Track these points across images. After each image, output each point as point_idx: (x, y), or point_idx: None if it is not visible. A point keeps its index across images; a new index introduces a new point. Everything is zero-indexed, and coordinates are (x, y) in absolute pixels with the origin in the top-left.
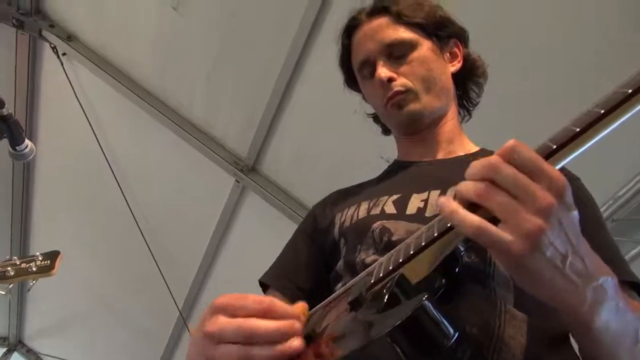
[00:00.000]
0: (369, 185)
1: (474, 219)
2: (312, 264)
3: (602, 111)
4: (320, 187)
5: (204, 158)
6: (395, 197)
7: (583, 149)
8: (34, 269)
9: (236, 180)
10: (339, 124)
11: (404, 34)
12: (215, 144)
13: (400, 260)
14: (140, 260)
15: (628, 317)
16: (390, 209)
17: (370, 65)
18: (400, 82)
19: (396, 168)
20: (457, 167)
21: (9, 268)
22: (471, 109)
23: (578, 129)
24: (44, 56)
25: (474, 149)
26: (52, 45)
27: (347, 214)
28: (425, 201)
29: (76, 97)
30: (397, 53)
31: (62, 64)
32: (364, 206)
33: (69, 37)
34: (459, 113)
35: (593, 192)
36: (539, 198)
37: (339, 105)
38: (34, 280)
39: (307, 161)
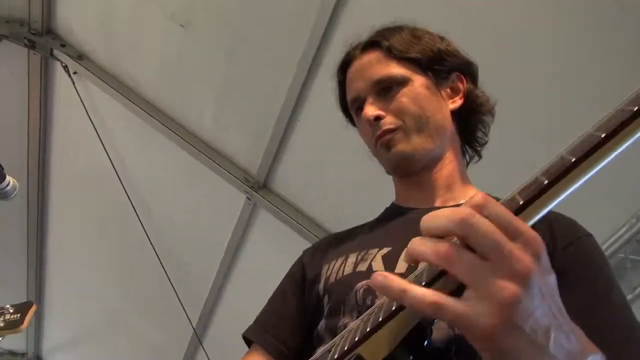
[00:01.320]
0: (362, 232)
1: (426, 294)
2: (300, 318)
3: (574, 159)
4: (330, 204)
5: (214, 175)
6: (385, 250)
7: (557, 202)
8: (1, 324)
9: (247, 198)
10: (349, 142)
11: (394, 69)
12: (225, 160)
13: (356, 339)
14: (154, 278)
15: None
16: (377, 265)
17: (360, 103)
18: (389, 120)
19: (392, 213)
20: None
21: None
22: (479, 149)
23: (547, 181)
24: (55, 75)
25: (466, 194)
26: (64, 65)
27: (333, 267)
28: None
29: (88, 115)
30: (387, 90)
31: (73, 83)
32: (351, 259)
33: (80, 56)
34: (464, 155)
35: None
36: (516, 260)
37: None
38: (1, 337)
39: (318, 178)
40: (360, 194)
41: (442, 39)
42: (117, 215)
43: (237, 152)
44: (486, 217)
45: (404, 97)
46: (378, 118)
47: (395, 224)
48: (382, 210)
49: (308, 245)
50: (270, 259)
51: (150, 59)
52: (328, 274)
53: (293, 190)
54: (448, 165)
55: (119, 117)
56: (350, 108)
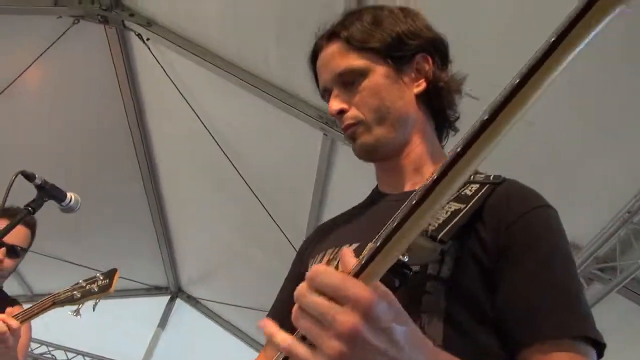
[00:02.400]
0: (345, 221)
1: (284, 338)
2: None
3: (395, 224)
4: None
5: (289, 117)
6: (355, 246)
7: (391, 261)
8: (96, 289)
9: (324, 134)
10: None
11: (354, 61)
12: (299, 101)
13: None
14: (261, 217)
15: None
16: None
17: (328, 94)
18: (351, 114)
19: (372, 199)
20: (451, 202)
21: (75, 292)
22: (451, 128)
23: (378, 244)
24: (132, 44)
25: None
26: (137, 33)
27: (314, 263)
28: None
29: (169, 77)
30: (350, 81)
31: (149, 49)
32: (327, 257)
33: (149, 23)
34: (443, 132)
35: None
36: (339, 323)
37: None
38: (97, 299)
39: None
40: None
41: (407, 16)
42: (216, 166)
43: (307, 90)
44: (317, 287)
45: (364, 90)
46: (341, 111)
47: (369, 214)
48: None
49: None
50: (357, 186)
51: (209, 14)
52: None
53: None
54: (415, 149)
55: (195, 75)
56: (323, 97)
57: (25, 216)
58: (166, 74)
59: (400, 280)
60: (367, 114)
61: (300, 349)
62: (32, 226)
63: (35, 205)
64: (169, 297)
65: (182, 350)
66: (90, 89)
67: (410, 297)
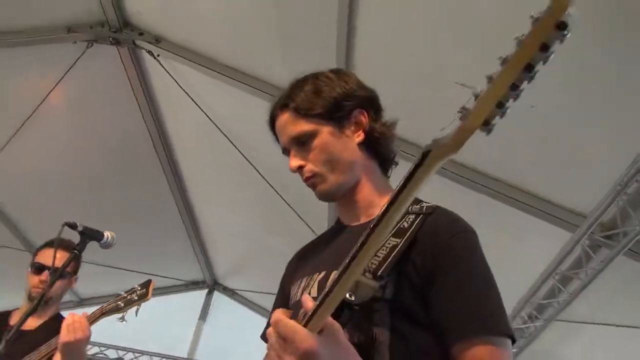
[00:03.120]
0: (313, 250)
1: None
2: None
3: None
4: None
5: None
6: (322, 275)
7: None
8: (136, 298)
9: None
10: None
11: (303, 126)
12: None
13: None
14: (280, 206)
15: None
16: (314, 291)
17: (287, 153)
18: (308, 169)
19: (335, 230)
20: (391, 238)
21: (119, 302)
22: (392, 163)
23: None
24: (145, 61)
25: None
26: (148, 50)
27: (295, 290)
28: None
29: (180, 86)
30: (303, 141)
31: (160, 64)
32: (303, 284)
33: (157, 40)
34: (387, 168)
35: None
36: (274, 347)
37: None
38: (138, 306)
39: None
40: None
41: (340, 79)
42: (235, 165)
43: None
44: (276, 331)
45: (315, 148)
46: (300, 167)
47: (332, 244)
48: None
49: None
50: None
51: (209, 24)
52: (292, 295)
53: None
54: (364, 187)
55: (205, 83)
56: (284, 153)
57: (73, 254)
58: (178, 84)
59: (350, 314)
60: (320, 167)
61: None
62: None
63: (79, 248)
64: (206, 290)
65: (224, 339)
66: (109, 106)
67: (364, 315)
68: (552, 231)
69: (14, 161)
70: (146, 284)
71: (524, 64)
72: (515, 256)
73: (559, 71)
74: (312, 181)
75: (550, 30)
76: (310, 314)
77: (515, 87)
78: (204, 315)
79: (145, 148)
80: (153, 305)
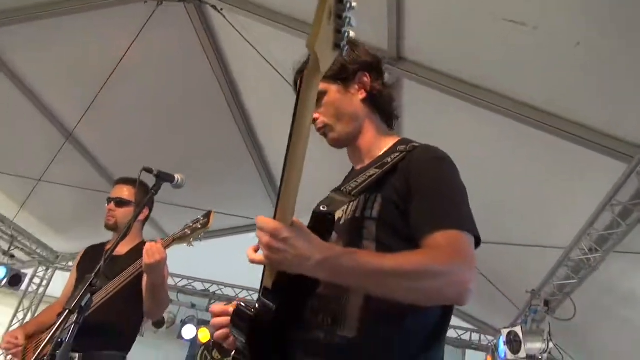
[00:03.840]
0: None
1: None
2: None
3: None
4: (469, 58)
5: None
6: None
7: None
8: (199, 226)
9: (389, 73)
10: None
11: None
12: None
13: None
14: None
15: (354, 266)
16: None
17: None
18: (320, 121)
19: (348, 173)
20: (372, 168)
21: (186, 230)
22: (394, 119)
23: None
24: (211, 17)
25: (390, 144)
26: (212, 5)
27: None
28: (344, 211)
29: (244, 38)
30: (318, 99)
31: (224, 17)
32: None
33: None
34: (389, 121)
35: None
36: (261, 241)
37: None
38: (201, 234)
39: (453, 35)
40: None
41: (350, 48)
42: None
43: (365, 34)
44: (259, 230)
45: (326, 104)
46: (314, 120)
47: (342, 185)
48: None
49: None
50: (431, 126)
51: None
52: None
53: (426, 54)
54: (366, 135)
55: (267, 33)
56: None
57: (150, 192)
58: (242, 36)
59: (330, 220)
60: (330, 119)
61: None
62: (135, 185)
63: (156, 189)
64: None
65: None
66: (181, 59)
67: (356, 232)
68: (610, 165)
69: (103, 115)
70: (207, 215)
71: None
72: (575, 191)
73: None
74: (323, 131)
75: None
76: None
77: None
78: None
79: (216, 98)
80: (231, 243)
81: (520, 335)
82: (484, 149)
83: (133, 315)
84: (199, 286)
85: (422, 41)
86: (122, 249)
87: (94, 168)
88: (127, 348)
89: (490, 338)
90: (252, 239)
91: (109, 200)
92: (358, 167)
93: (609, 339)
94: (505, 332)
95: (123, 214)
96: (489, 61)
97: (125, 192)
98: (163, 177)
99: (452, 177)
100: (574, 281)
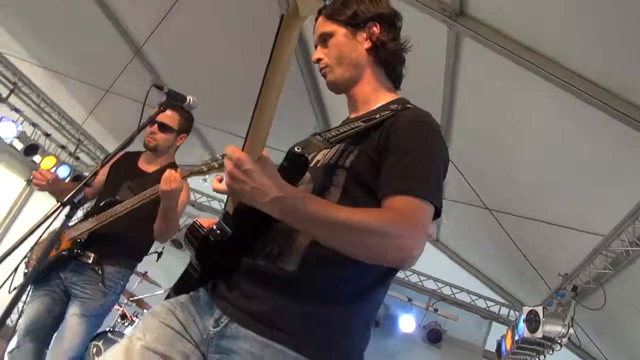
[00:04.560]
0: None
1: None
2: None
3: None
4: (529, 17)
5: (413, 9)
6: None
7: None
8: (216, 165)
9: (448, 27)
10: None
11: (327, 27)
12: None
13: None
14: None
15: (310, 210)
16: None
17: (315, 46)
18: (323, 61)
19: (343, 121)
20: (359, 121)
21: (203, 167)
22: (399, 78)
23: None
24: None
25: (386, 100)
26: None
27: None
28: (324, 155)
29: None
30: (324, 39)
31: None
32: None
33: None
34: (390, 77)
35: None
36: (226, 168)
37: None
38: (217, 173)
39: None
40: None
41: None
42: None
43: None
44: (227, 157)
45: (331, 46)
46: (318, 60)
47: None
48: None
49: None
50: (487, 86)
51: None
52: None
53: (489, 11)
54: (364, 86)
55: None
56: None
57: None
58: None
59: (302, 162)
60: (332, 61)
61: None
62: (180, 112)
63: (165, 106)
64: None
65: None
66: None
67: (328, 177)
68: None
69: (171, 36)
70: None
71: None
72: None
73: None
74: (323, 71)
75: None
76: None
77: None
78: None
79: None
80: None
81: (541, 315)
82: (541, 121)
83: (147, 231)
84: (215, 205)
85: None
86: (152, 167)
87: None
88: (138, 259)
89: (517, 314)
90: None
91: (153, 121)
92: (352, 116)
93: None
94: (526, 310)
95: (164, 139)
96: (560, 32)
97: (170, 117)
98: (173, 96)
99: (430, 143)
100: (609, 272)
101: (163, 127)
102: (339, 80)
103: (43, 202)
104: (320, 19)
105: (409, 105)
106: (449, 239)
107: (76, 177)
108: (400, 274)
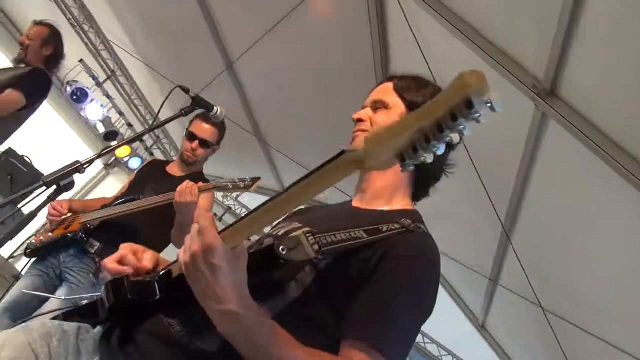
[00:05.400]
0: (318, 210)
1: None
2: None
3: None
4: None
5: (502, 80)
6: (298, 225)
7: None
8: (242, 186)
9: (535, 105)
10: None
11: (388, 97)
12: (512, 63)
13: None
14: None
15: (261, 342)
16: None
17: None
18: (364, 126)
19: (344, 204)
20: (360, 230)
21: (229, 184)
22: (424, 194)
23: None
24: None
25: (399, 207)
26: None
27: (275, 227)
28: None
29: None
30: (378, 107)
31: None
32: (280, 225)
33: None
34: (418, 186)
35: None
36: (190, 244)
37: None
38: (239, 193)
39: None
40: None
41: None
42: None
43: (526, 57)
44: (196, 224)
45: (379, 116)
46: (359, 120)
47: (331, 211)
48: None
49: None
50: (564, 173)
51: None
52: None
53: (581, 98)
54: (386, 179)
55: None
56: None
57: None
58: (406, 19)
59: (280, 266)
60: (370, 129)
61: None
62: (220, 127)
63: (186, 111)
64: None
65: None
66: (346, 31)
67: (295, 266)
68: None
69: (265, 55)
70: (254, 180)
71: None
72: None
73: None
74: (356, 133)
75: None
76: (228, 226)
77: (426, 140)
78: None
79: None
80: None
81: None
82: (622, 230)
83: (162, 237)
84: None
85: (583, 81)
86: (180, 172)
87: (241, 102)
88: None
89: None
90: None
91: (194, 137)
92: (355, 204)
93: None
94: None
95: (203, 155)
96: None
97: (210, 133)
98: (198, 102)
99: (421, 290)
100: None
101: (204, 144)
102: None
103: (115, 186)
104: (387, 85)
105: (420, 226)
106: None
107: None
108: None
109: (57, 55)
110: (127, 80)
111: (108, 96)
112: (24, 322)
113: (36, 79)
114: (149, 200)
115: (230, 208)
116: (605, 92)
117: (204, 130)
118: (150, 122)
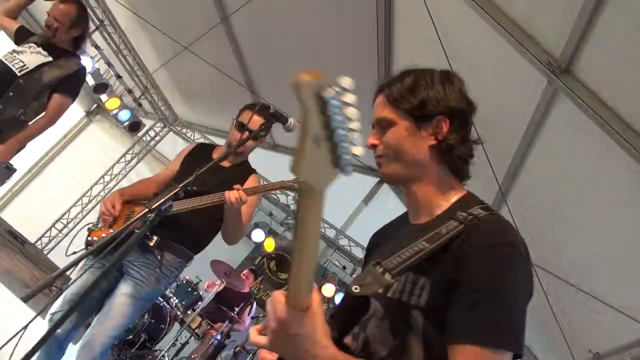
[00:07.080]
0: (384, 236)
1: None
2: None
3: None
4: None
5: (518, 55)
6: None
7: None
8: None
9: (547, 81)
10: None
11: (387, 114)
12: (532, 42)
13: None
14: None
15: None
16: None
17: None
18: (379, 149)
19: (401, 221)
20: (422, 241)
21: (276, 184)
22: (465, 175)
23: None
24: None
25: (450, 202)
26: None
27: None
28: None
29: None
30: (383, 126)
31: None
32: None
33: None
34: (457, 174)
35: None
36: (270, 324)
37: None
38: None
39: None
40: None
41: (443, 82)
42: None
43: (547, 34)
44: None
45: (389, 136)
46: (373, 146)
47: (394, 238)
48: None
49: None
50: (568, 146)
51: None
52: None
53: (595, 79)
54: (424, 186)
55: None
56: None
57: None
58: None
59: (360, 305)
60: (387, 153)
61: (262, 338)
62: (269, 118)
63: (266, 125)
64: (377, 179)
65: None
66: None
67: (402, 320)
68: None
69: (262, 9)
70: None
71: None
72: None
73: None
74: (378, 160)
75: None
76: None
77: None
78: (367, 199)
79: (369, 35)
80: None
81: None
82: (619, 196)
83: (212, 230)
84: (282, 198)
85: (599, 63)
86: (227, 162)
87: (235, 56)
88: (197, 251)
89: None
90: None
91: (244, 127)
92: (413, 221)
93: None
94: None
95: (252, 146)
96: None
97: (258, 124)
98: (276, 116)
99: (511, 275)
100: None
101: (254, 136)
102: (394, 176)
103: (97, 135)
104: (380, 100)
105: (475, 213)
106: None
107: (135, 124)
108: None
109: (84, 37)
110: (114, 29)
111: (96, 47)
112: None
113: (81, 81)
114: (204, 199)
115: None
116: (620, 75)
117: (255, 121)
118: (138, 73)
